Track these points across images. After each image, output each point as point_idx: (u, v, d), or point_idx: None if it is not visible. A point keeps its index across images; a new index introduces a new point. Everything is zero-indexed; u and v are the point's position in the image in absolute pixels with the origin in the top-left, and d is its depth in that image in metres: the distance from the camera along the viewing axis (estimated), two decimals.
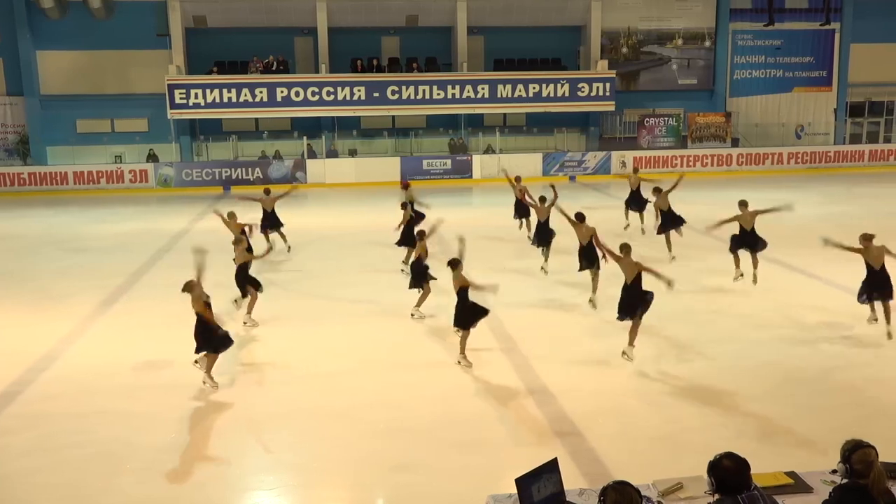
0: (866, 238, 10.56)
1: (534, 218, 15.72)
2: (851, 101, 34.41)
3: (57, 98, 30.34)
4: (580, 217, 12.63)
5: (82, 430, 8.19)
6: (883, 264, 10.42)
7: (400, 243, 14.97)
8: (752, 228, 13.06)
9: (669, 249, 15.35)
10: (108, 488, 7.06)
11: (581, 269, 12.77)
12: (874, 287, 10.52)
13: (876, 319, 10.76)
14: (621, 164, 29.98)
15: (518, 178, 17.47)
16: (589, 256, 12.53)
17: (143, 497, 6.90)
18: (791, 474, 5.22)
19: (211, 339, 9.25)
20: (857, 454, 4.42)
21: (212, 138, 30.96)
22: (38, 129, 30.16)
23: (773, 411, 8.34)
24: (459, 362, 9.84)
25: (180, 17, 29.69)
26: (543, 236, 14.59)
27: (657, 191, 15.97)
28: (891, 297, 10.50)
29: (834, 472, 4.79)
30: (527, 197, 16.52)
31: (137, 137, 30.54)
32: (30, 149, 30.32)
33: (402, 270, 14.49)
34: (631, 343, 9.73)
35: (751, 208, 13.19)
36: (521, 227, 17.47)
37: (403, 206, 15.72)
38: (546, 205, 14.78)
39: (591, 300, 12.26)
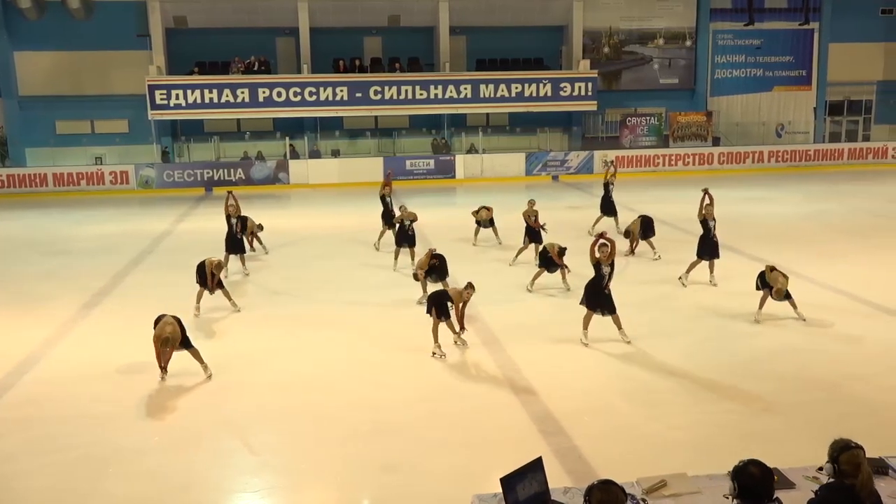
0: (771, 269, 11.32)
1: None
2: (830, 100, 34.77)
3: (36, 99, 30.03)
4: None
5: (66, 433, 8.13)
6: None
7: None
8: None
9: (653, 248, 15.55)
10: (94, 491, 7.01)
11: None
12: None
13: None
14: (604, 163, 30.08)
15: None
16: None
17: (128, 500, 6.86)
18: (774, 470, 5.25)
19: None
20: (845, 455, 4.44)
21: (193, 139, 30.76)
22: (17, 131, 29.85)
23: (754, 408, 8.42)
24: (434, 353, 10.17)
25: (160, 18, 29.48)
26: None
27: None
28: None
29: (820, 469, 4.83)
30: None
31: (118, 139, 30.31)
32: (8, 150, 30.00)
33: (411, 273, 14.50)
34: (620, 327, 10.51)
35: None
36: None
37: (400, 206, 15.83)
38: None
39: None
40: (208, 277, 12.16)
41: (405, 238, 14.90)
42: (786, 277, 11.20)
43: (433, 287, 12.17)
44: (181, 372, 9.65)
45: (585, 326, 10.54)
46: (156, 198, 27.22)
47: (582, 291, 10.74)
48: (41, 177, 28.17)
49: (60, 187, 28.11)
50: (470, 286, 10.26)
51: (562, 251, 13.19)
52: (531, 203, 15.41)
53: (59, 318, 12.34)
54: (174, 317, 9.53)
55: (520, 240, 15.39)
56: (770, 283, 11.17)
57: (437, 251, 12.55)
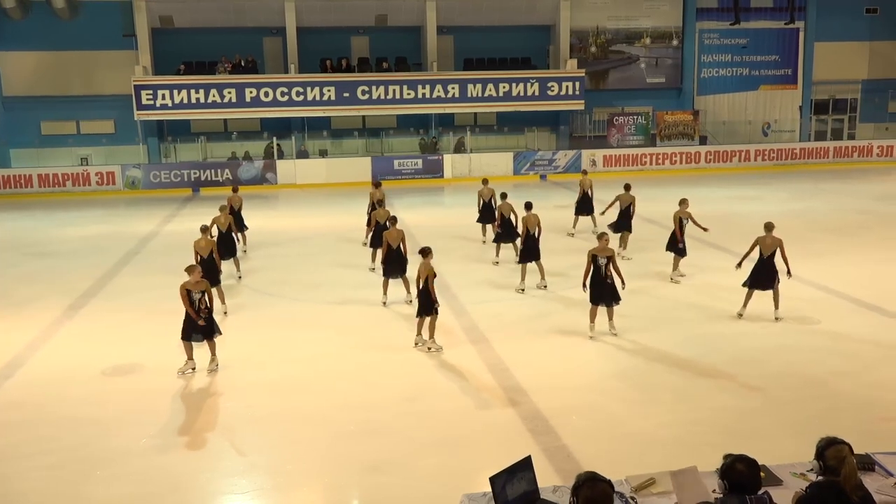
0: (767, 227, 11.29)
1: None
2: (816, 99, 35.00)
3: (20, 99, 29.83)
4: (528, 206, 13.61)
5: (49, 436, 8.05)
6: (772, 254, 11.17)
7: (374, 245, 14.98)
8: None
9: (624, 247, 15.56)
10: (82, 494, 6.96)
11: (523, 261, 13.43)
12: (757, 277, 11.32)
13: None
14: (591, 162, 30.20)
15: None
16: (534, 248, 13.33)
17: (116, 502, 6.80)
18: (761, 467, 5.27)
19: (186, 327, 9.65)
20: (830, 450, 4.48)
21: (180, 139, 30.63)
22: (1, 132, 29.62)
23: (740, 405, 8.45)
24: (430, 348, 10.29)
25: (146, 17, 29.33)
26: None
27: (627, 187, 16.06)
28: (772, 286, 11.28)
29: (810, 470, 4.84)
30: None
31: (104, 139, 30.13)
32: None
33: (372, 269, 14.88)
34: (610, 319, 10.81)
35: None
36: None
37: (381, 203, 15.82)
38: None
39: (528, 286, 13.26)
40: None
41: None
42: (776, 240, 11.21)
43: (394, 284, 12.57)
44: (171, 373, 9.62)
45: (592, 320, 10.74)
46: (142, 198, 27.08)
47: (566, 290, 10.83)
48: (26, 178, 27.95)
49: (46, 188, 27.92)
50: (425, 253, 10.29)
51: (528, 205, 13.62)
52: (503, 196, 15.53)
53: (45, 321, 12.24)
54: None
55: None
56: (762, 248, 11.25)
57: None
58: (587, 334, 10.72)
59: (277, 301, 13.32)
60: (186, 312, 9.57)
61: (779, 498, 4.73)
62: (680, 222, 13.59)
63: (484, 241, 17.28)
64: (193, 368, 9.73)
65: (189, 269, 9.72)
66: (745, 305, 11.45)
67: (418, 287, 10.30)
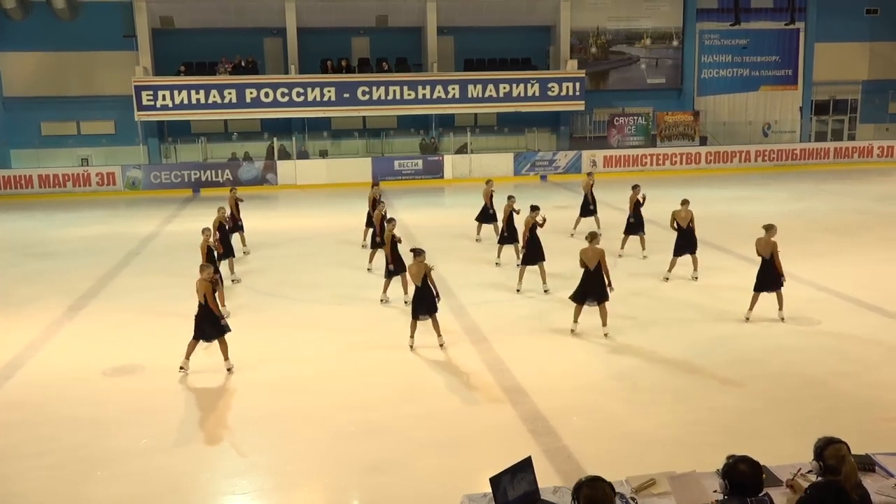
0: (766, 228, 11.18)
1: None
2: (816, 100, 34.99)
3: (20, 100, 29.82)
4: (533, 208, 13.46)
5: (49, 437, 8.05)
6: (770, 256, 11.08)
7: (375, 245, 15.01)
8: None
9: (643, 248, 15.58)
10: (77, 495, 6.96)
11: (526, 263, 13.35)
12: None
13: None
14: (591, 163, 30.22)
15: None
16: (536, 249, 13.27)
17: (116, 502, 6.80)
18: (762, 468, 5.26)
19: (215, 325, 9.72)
20: (829, 450, 4.48)
21: (180, 140, 30.63)
22: (2, 132, 29.62)
23: (740, 405, 8.45)
24: (442, 345, 10.40)
25: (147, 18, 29.33)
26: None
27: (636, 187, 16.03)
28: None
29: (809, 471, 4.84)
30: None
31: (104, 140, 30.13)
32: None
33: (369, 270, 14.92)
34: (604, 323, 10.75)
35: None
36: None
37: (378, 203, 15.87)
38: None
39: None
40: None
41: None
42: (770, 243, 11.12)
43: (394, 282, 12.61)
44: (171, 373, 9.62)
45: (604, 323, 10.74)
46: (143, 199, 27.08)
47: (566, 291, 10.88)
48: (26, 178, 27.95)
49: (46, 189, 27.93)
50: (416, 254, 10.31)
51: (533, 208, 13.40)
52: (509, 199, 15.47)
53: (45, 321, 12.24)
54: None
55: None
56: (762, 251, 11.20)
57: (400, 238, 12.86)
58: (587, 334, 10.73)
59: (277, 301, 13.32)
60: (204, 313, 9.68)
61: (779, 500, 4.73)
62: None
63: (477, 240, 17.29)
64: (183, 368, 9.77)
65: (202, 269, 9.82)
66: (751, 309, 11.31)
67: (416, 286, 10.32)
